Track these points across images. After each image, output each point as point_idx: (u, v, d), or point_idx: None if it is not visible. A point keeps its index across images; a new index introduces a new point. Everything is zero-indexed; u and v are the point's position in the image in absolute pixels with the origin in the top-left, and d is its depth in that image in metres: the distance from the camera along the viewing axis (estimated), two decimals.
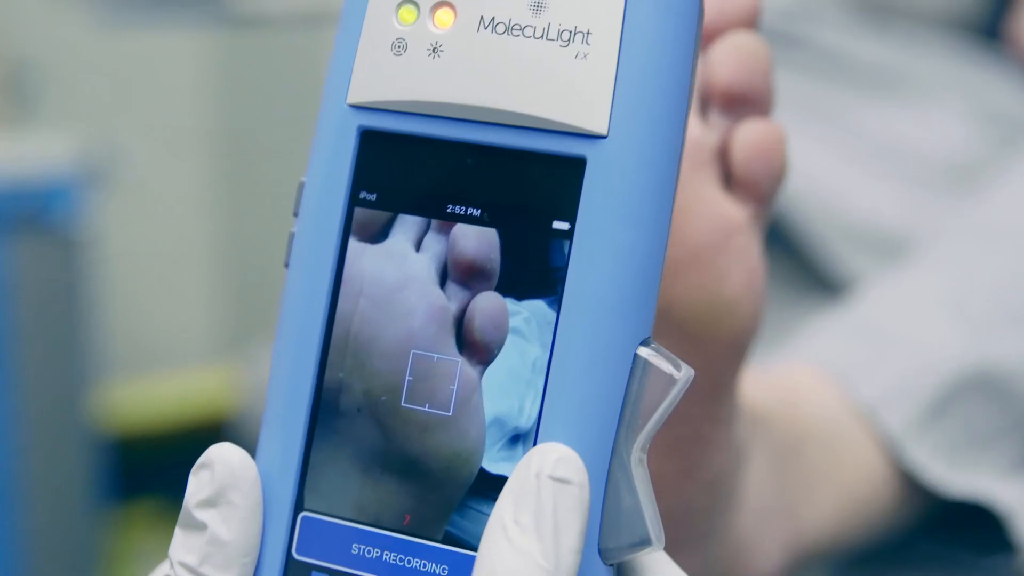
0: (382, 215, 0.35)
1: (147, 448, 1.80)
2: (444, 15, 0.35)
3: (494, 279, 0.34)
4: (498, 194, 0.34)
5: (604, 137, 0.33)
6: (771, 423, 0.56)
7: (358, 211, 0.35)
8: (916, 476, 0.61)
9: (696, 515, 0.50)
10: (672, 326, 0.46)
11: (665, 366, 0.33)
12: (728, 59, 0.46)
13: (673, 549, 0.50)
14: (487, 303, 0.35)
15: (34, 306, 1.58)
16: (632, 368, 0.33)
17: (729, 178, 0.47)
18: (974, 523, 0.62)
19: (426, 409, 0.35)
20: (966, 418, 0.62)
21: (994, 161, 0.76)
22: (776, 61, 0.47)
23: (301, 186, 0.36)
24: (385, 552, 0.34)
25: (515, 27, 0.34)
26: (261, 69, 2.11)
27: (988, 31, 0.86)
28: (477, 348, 0.34)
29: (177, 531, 0.34)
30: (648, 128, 0.33)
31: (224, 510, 0.34)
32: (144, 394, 1.96)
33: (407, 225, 0.35)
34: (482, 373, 0.34)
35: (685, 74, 0.34)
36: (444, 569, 0.34)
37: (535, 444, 0.33)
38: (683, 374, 0.33)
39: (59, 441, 1.61)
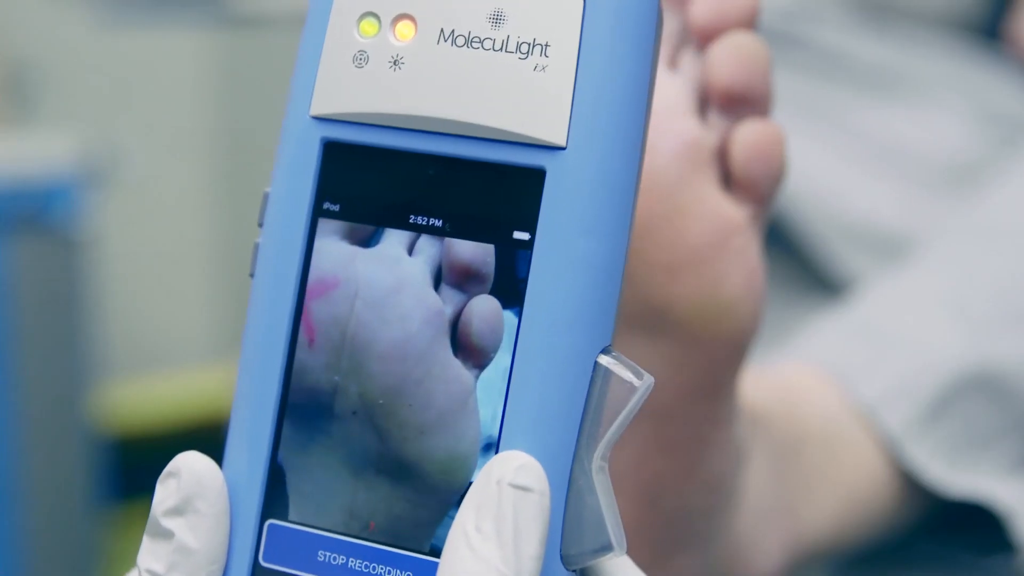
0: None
1: (147, 448, 1.80)
2: (405, 28, 0.36)
3: (489, 283, 0.35)
4: (459, 205, 0.35)
5: (563, 148, 0.34)
6: (771, 423, 0.56)
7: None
8: (916, 476, 0.61)
9: (696, 515, 0.50)
10: (672, 326, 0.46)
11: (625, 374, 0.34)
12: (727, 59, 0.46)
13: (673, 549, 0.50)
14: (483, 306, 0.35)
15: (34, 306, 1.58)
16: (593, 376, 0.34)
17: (728, 178, 0.47)
18: (974, 523, 0.62)
19: (421, 413, 0.35)
20: (966, 418, 0.62)
21: (994, 161, 0.77)
22: (776, 61, 0.47)
23: (266, 197, 0.36)
24: (351, 559, 0.35)
25: (475, 40, 0.35)
26: (261, 69, 2.11)
27: (988, 31, 0.86)
28: (473, 352, 0.35)
29: (145, 539, 0.35)
30: (606, 139, 0.34)
31: (191, 518, 0.34)
32: (144, 394, 1.96)
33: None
34: (478, 377, 0.35)
35: (643, 85, 0.35)
36: (408, 575, 0.34)
37: (497, 452, 0.33)
38: (643, 382, 0.34)
39: (59, 441, 1.61)
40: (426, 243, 0.35)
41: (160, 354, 2.08)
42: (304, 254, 0.36)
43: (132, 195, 1.96)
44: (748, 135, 0.46)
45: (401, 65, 0.35)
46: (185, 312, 2.10)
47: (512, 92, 0.34)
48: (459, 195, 0.35)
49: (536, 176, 0.34)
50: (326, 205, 0.36)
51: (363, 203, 0.35)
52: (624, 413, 0.34)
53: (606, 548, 0.34)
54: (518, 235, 0.34)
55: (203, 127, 2.12)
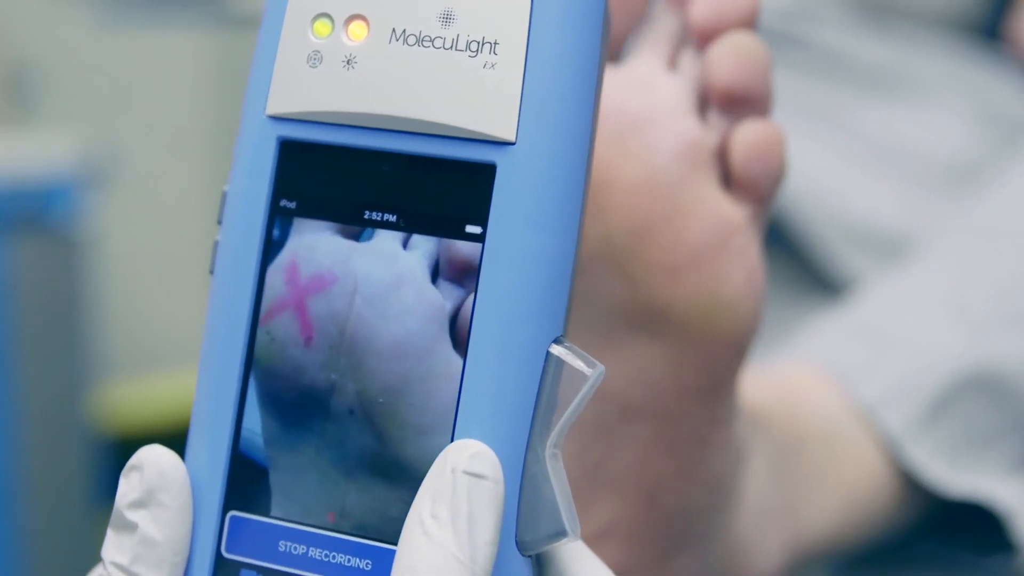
0: None
1: None
2: (357, 28, 0.36)
3: None
4: (413, 201, 0.35)
5: (512, 144, 0.34)
6: (771, 423, 0.56)
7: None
8: (916, 476, 0.61)
9: (696, 515, 0.50)
10: (672, 326, 0.46)
11: (577, 364, 0.34)
12: (727, 59, 0.46)
13: (673, 549, 0.50)
14: None
15: (34, 306, 1.58)
16: (545, 366, 0.34)
17: (728, 178, 0.47)
18: (974, 523, 0.62)
19: (422, 412, 0.35)
20: (966, 418, 0.62)
21: (994, 161, 0.77)
22: (775, 61, 0.47)
23: (224, 195, 0.37)
24: (311, 548, 0.35)
25: (425, 39, 0.36)
26: None
27: (988, 31, 0.86)
28: None
29: (109, 532, 0.35)
30: (555, 134, 0.35)
31: (154, 511, 0.35)
32: (144, 394, 1.96)
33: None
34: None
35: (591, 81, 0.35)
36: (368, 564, 0.35)
37: (452, 440, 0.34)
38: (595, 371, 0.34)
39: (59, 441, 1.61)
40: (421, 238, 0.35)
41: (160, 354, 2.08)
42: (261, 252, 0.36)
43: (132, 195, 1.96)
44: (748, 135, 0.46)
45: (354, 64, 0.36)
46: (185, 312, 2.10)
47: (463, 89, 0.35)
48: (412, 191, 0.35)
49: (487, 171, 0.35)
50: (283, 203, 0.36)
51: (318, 200, 0.36)
52: (576, 401, 0.34)
53: (560, 534, 0.34)
54: (470, 229, 0.35)
55: (203, 127, 2.12)
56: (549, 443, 0.34)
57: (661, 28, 0.49)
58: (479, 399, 0.34)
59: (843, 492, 0.59)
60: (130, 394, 1.91)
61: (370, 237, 0.36)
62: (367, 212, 0.36)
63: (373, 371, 0.35)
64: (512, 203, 0.34)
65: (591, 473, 0.48)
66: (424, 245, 0.35)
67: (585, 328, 0.47)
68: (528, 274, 0.34)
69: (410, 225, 0.35)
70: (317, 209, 0.36)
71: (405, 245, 0.35)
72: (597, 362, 0.35)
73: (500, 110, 0.35)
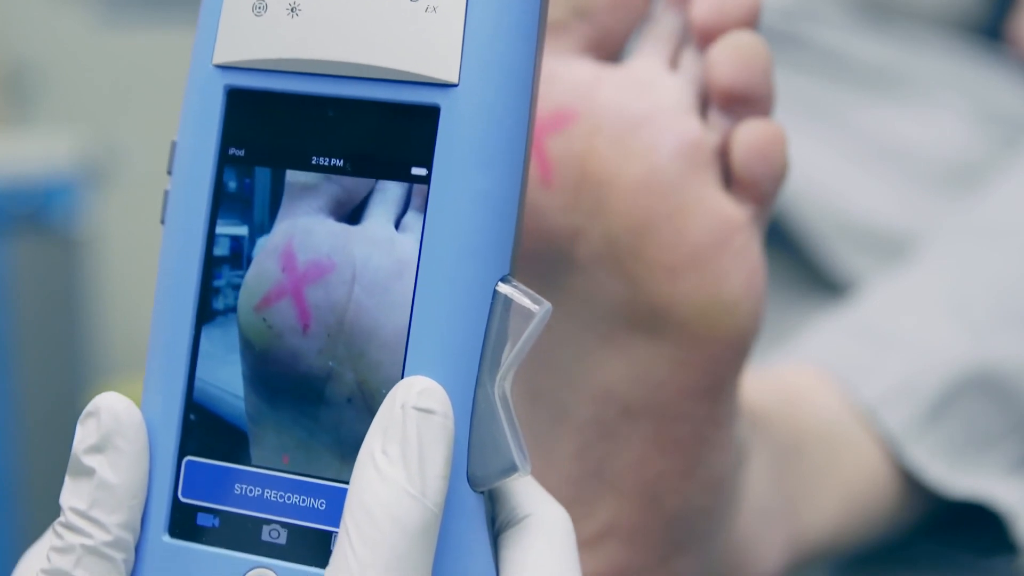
0: (353, 194, 0.36)
1: None
2: None
3: None
4: (359, 145, 0.36)
5: (455, 86, 0.35)
6: (772, 423, 0.56)
7: (327, 187, 0.36)
8: (917, 476, 0.61)
9: (696, 516, 0.49)
10: (672, 326, 0.46)
11: (524, 301, 0.35)
12: (728, 59, 0.46)
13: (673, 550, 0.50)
14: None
15: (34, 305, 1.58)
16: (493, 304, 0.35)
17: (729, 178, 0.47)
18: (975, 524, 0.62)
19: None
20: (967, 418, 0.62)
21: (995, 161, 0.77)
22: (776, 60, 0.47)
23: (173, 146, 0.38)
24: (266, 490, 0.36)
25: None
26: None
27: (989, 31, 0.86)
28: None
29: (66, 480, 0.35)
30: (497, 75, 0.35)
31: (111, 455, 0.35)
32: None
33: (386, 203, 0.36)
34: None
35: (532, 23, 0.36)
36: (322, 503, 0.35)
37: (403, 378, 0.35)
38: (542, 308, 0.35)
39: (59, 441, 1.61)
40: (413, 219, 0.35)
41: None
42: (211, 200, 0.37)
43: (131, 194, 1.96)
44: (749, 135, 0.46)
45: (298, 12, 0.36)
46: None
47: (405, 33, 0.36)
48: (358, 135, 0.36)
49: (431, 113, 0.35)
50: (231, 151, 0.37)
51: (266, 147, 0.37)
52: (523, 338, 0.35)
53: (511, 469, 0.35)
54: (416, 171, 0.35)
55: None
56: (498, 380, 0.35)
57: (662, 28, 0.49)
58: (428, 338, 0.35)
59: (843, 492, 0.59)
60: (129, 393, 1.91)
61: (362, 218, 0.36)
62: (315, 158, 0.36)
63: (374, 362, 0.35)
64: (456, 144, 0.35)
65: (592, 473, 0.48)
66: (415, 227, 0.35)
67: (586, 327, 0.47)
68: (473, 214, 0.35)
69: (357, 169, 0.36)
70: (265, 156, 0.37)
71: (397, 225, 0.36)
72: (544, 300, 0.35)
73: (442, 53, 0.35)
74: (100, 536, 0.35)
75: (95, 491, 0.35)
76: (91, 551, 0.34)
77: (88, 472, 0.35)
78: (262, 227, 0.37)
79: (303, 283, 0.36)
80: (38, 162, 1.61)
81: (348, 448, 0.35)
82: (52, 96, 1.93)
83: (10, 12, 1.92)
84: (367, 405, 0.35)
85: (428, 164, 0.35)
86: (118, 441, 0.35)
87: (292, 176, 0.36)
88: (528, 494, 0.36)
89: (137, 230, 2.03)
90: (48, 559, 0.35)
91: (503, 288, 0.35)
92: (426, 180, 0.35)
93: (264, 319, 0.36)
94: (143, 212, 2.13)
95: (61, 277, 1.61)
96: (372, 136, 0.36)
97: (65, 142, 1.66)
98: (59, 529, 0.35)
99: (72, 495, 0.35)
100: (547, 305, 0.35)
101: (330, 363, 0.36)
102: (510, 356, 0.35)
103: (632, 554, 0.49)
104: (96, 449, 0.35)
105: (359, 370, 0.35)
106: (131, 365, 2.00)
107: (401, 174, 0.35)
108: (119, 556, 0.35)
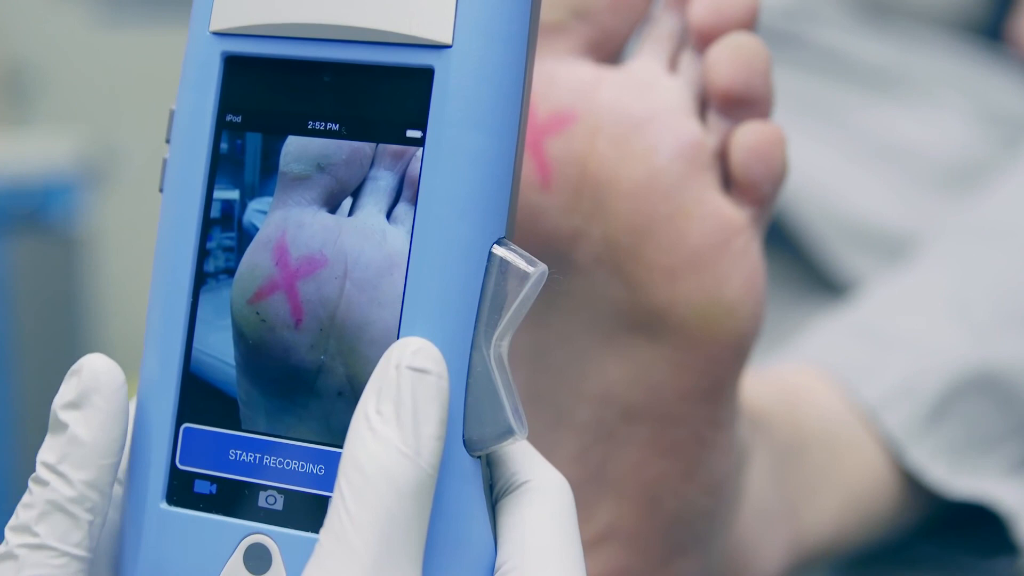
0: (346, 185, 0.36)
1: None
2: None
3: None
4: (354, 108, 0.36)
5: (449, 47, 0.35)
6: (772, 425, 0.56)
7: (320, 177, 0.36)
8: (918, 477, 0.61)
9: (697, 517, 0.49)
10: (673, 328, 0.46)
11: (519, 263, 0.35)
12: (727, 60, 0.46)
13: (674, 551, 0.50)
14: None
15: (33, 305, 1.58)
16: (488, 266, 0.35)
17: (729, 180, 0.47)
18: (976, 524, 0.62)
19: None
20: (968, 420, 0.62)
21: (995, 161, 0.76)
22: (776, 60, 0.47)
23: (172, 114, 0.38)
24: (265, 456, 0.36)
25: None
26: None
27: (990, 31, 0.86)
28: None
29: (47, 436, 0.35)
30: (491, 36, 0.35)
31: (86, 411, 0.35)
32: None
33: (378, 193, 0.36)
34: None
35: None
36: (321, 468, 0.35)
37: (398, 339, 0.34)
38: (537, 270, 0.35)
39: None
40: (404, 211, 0.35)
41: None
42: (209, 168, 0.37)
43: (131, 194, 1.96)
44: (748, 136, 0.46)
45: None
46: None
47: None
48: (353, 98, 0.36)
49: (425, 75, 0.35)
50: (229, 117, 0.37)
51: (264, 113, 0.37)
52: (519, 300, 0.35)
53: (508, 433, 0.35)
54: (411, 133, 0.35)
55: None
56: (494, 343, 0.35)
57: (662, 29, 0.48)
58: (423, 299, 0.34)
59: (844, 493, 0.59)
60: (129, 394, 1.91)
61: (355, 210, 0.36)
62: (311, 122, 0.36)
63: (368, 359, 0.35)
64: (450, 105, 0.35)
65: (592, 476, 0.48)
66: (406, 219, 0.35)
67: (586, 330, 0.47)
68: (468, 175, 0.35)
69: (352, 133, 0.36)
70: (262, 122, 0.37)
71: (389, 216, 0.36)
72: (539, 261, 0.35)
73: (436, 14, 0.35)
74: (64, 491, 0.34)
75: (66, 446, 0.35)
76: (55, 506, 0.34)
77: (63, 427, 0.35)
78: (253, 190, 0.37)
79: (296, 278, 0.36)
80: (37, 162, 1.61)
81: (337, 438, 0.35)
82: (51, 96, 1.93)
83: (9, 12, 1.92)
84: (357, 399, 0.35)
85: (423, 127, 0.35)
86: (95, 399, 0.35)
87: (285, 165, 0.36)
88: (527, 460, 0.36)
89: (136, 229, 2.03)
90: (16, 515, 0.35)
91: (498, 250, 0.35)
92: (421, 142, 0.35)
93: (257, 312, 0.36)
94: (142, 212, 2.13)
95: (60, 277, 1.61)
96: (367, 99, 0.36)
97: (64, 142, 1.66)
98: (30, 484, 0.35)
99: (46, 449, 0.35)
100: (543, 267, 0.35)
101: (321, 357, 0.36)
102: (506, 319, 0.35)
103: (632, 556, 0.49)
104: (73, 405, 0.35)
105: (350, 364, 0.35)
106: (130, 365, 1.99)
107: (396, 137, 0.35)
108: (83, 515, 0.34)
